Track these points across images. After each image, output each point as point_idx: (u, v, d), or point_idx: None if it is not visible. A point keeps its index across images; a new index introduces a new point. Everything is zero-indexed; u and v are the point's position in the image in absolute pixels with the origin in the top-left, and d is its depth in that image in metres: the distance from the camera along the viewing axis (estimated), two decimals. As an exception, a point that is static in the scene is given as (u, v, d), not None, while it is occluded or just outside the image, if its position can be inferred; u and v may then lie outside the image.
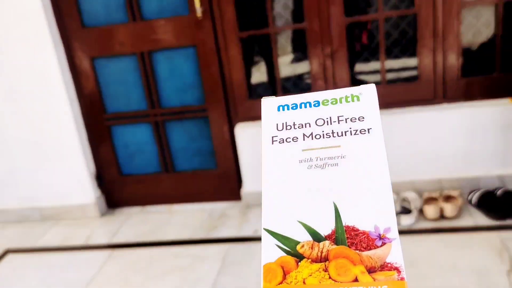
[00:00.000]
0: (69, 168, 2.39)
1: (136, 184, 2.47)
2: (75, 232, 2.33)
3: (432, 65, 2.05)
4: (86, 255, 2.11)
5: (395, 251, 0.31)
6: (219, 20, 2.12)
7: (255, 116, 2.24)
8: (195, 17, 2.11)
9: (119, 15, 2.19)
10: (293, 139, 0.37)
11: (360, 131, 0.36)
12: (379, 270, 0.30)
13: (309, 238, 0.32)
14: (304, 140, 0.37)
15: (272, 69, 2.21)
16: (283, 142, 0.37)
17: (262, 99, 0.41)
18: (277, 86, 2.21)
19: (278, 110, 0.39)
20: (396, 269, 0.30)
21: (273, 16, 2.13)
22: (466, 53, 2.07)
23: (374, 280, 0.30)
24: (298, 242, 0.32)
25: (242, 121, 2.26)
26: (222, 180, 2.36)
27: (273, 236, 0.33)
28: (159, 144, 2.36)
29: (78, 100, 2.33)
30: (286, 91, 2.28)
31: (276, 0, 2.17)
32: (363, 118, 0.36)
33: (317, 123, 0.37)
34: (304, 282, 0.31)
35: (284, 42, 2.33)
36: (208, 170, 2.38)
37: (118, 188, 2.49)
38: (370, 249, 0.31)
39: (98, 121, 2.37)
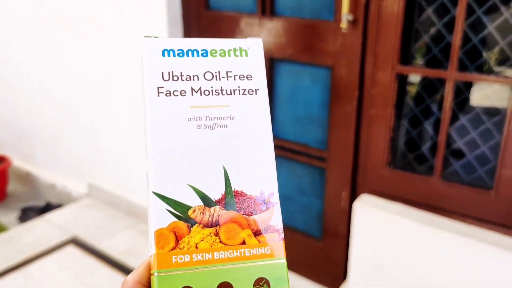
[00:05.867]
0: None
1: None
2: (141, 246, 1.96)
3: None
4: None
5: (276, 215, 0.33)
6: (372, 40, 1.35)
7: (391, 193, 1.45)
8: (339, 27, 1.39)
9: (247, 2, 1.60)
10: (180, 93, 0.34)
11: (248, 91, 0.35)
12: (264, 233, 0.32)
13: (199, 202, 0.32)
14: (192, 95, 0.34)
15: (437, 132, 1.36)
16: (170, 95, 0.34)
17: (143, 37, 0.34)
18: (437, 159, 1.36)
19: (163, 55, 0.34)
20: (277, 231, 0.33)
21: (459, 57, 1.26)
22: None
23: (259, 242, 0.32)
24: (189, 207, 0.32)
25: (370, 193, 1.49)
26: (323, 258, 1.67)
27: (163, 201, 0.31)
28: (259, 180, 1.77)
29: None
30: (452, 172, 1.41)
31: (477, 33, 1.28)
32: (251, 77, 0.36)
33: (205, 76, 0.35)
34: (196, 247, 0.31)
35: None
36: (310, 237, 1.70)
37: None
38: (256, 213, 0.33)
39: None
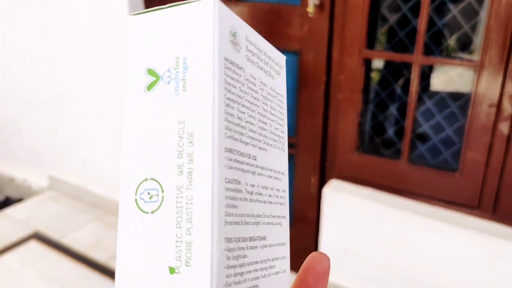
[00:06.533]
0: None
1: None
2: (110, 238, 1.91)
3: (485, 158, 1.26)
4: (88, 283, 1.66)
5: None
6: (339, 25, 1.34)
7: (360, 178, 1.46)
8: (306, 12, 1.37)
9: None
10: None
11: None
12: None
13: None
14: None
15: (403, 116, 1.37)
16: None
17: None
18: (404, 143, 1.38)
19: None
20: None
21: (424, 41, 1.27)
22: None
23: None
24: None
25: (339, 178, 1.50)
26: (293, 244, 1.66)
27: None
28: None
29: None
30: (418, 155, 1.43)
31: (439, 18, 1.30)
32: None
33: None
34: None
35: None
36: (280, 223, 1.70)
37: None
38: None
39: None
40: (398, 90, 1.46)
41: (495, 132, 1.23)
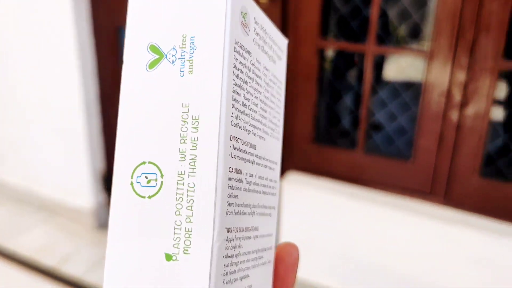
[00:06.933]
0: (69, 158, 1.86)
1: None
2: (60, 241, 1.82)
3: (436, 146, 1.29)
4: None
5: None
6: (292, 14, 1.33)
7: (317, 169, 1.46)
8: (257, 1, 1.34)
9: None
10: None
11: None
12: None
13: None
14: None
15: (356, 106, 1.38)
16: None
17: None
18: (360, 133, 1.39)
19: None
20: None
21: (376, 31, 1.28)
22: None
23: None
24: None
25: (296, 169, 1.49)
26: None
27: None
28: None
29: (97, 78, 1.74)
30: (373, 144, 1.45)
31: (390, 8, 1.31)
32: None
33: None
34: None
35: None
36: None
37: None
38: None
39: (117, 109, 1.77)
40: (351, 80, 1.47)
41: (445, 120, 1.26)
